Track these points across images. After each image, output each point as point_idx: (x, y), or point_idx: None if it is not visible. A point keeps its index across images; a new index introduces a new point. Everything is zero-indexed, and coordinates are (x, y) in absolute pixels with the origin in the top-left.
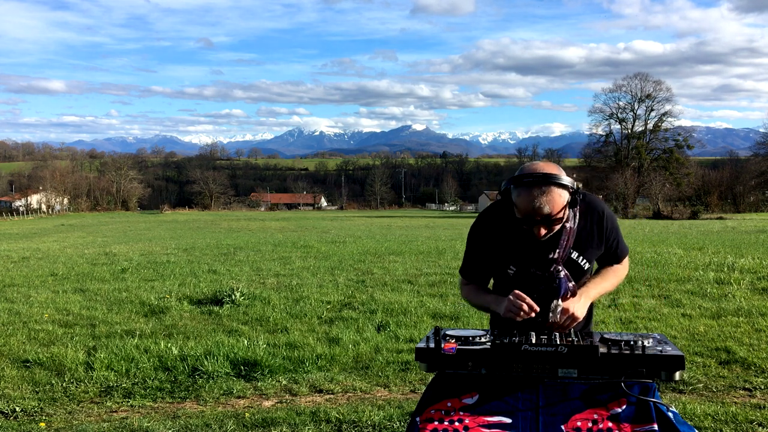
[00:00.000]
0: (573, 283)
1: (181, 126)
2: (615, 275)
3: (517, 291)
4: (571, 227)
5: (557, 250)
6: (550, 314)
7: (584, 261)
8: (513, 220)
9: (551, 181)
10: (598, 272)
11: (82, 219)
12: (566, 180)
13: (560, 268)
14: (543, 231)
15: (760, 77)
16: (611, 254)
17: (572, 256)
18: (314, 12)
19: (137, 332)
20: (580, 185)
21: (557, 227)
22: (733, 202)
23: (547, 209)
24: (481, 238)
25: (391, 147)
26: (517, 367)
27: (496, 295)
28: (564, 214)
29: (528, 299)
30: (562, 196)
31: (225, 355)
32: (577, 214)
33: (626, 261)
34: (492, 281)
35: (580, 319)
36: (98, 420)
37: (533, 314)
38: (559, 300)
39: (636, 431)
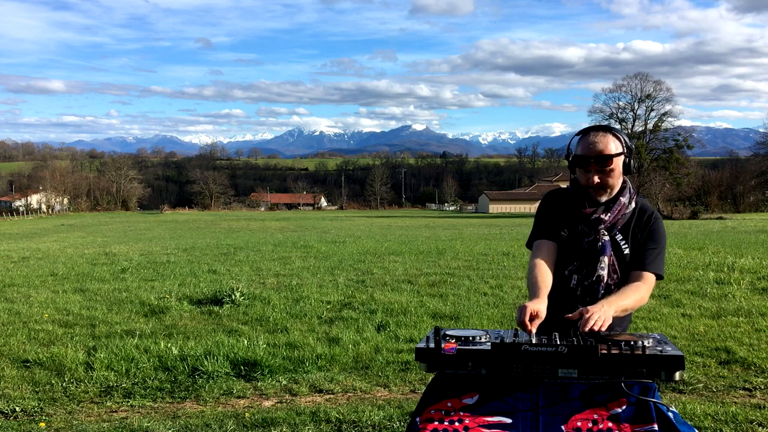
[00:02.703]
0: (612, 254)
1: (180, 126)
2: (635, 291)
3: (530, 305)
4: (624, 202)
5: (608, 214)
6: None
7: (626, 246)
8: (575, 189)
9: (609, 129)
10: (620, 289)
11: (82, 219)
12: (622, 135)
13: (606, 233)
14: (597, 178)
15: (759, 77)
16: (642, 256)
17: (616, 237)
18: (314, 12)
19: (137, 332)
20: (632, 147)
21: (611, 181)
22: (733, 202)
23: (600, 146)
24: (545, 208)
25: (391, 147)
26: (517, 367)
27: (536, 290)
28: (617, 163)
29: (526, 318)
30: (615, 143)
31: (225, 355)
32: (633, 202)
33: (651, 282)
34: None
35: (609, 321)
36: (98, 420)
37: (525, 330)
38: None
39: (636, 431)
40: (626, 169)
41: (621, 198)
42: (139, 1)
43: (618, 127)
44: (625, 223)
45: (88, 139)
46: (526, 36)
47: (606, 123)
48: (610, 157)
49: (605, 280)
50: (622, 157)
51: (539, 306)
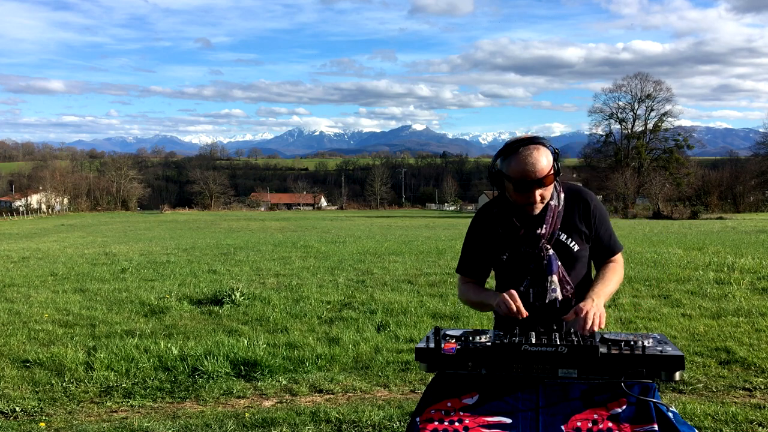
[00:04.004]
0: (560, 264)
1: (180, 126)
2: (614, 274)
3: (512, 290)
4: (555, 205)
5: (544, 226)
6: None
7: (573, 243)
8: (505, 209)
9: (536, 140)
10: (597, 274)
11: (82, 219)
12: (548, 142)
13: (548, 246)
14: (538, 196)
15: (759, 77)
16: (604, 246)
17: (560, 237)
18: (314, 12)
19: (137, 332)
20: (558, 150)
21: (548, 195)
22: (733, 202)
23: (539, 166)
24: (477, 233)
25: (391, 147)
26: (517, 367)
27: (492, 290)
28: (553, 178)
29: (519, 303)
30: (549, 157)
31: (225, 355)
32: (561, 194)
33: (621, 258)
34: (494, 280)
35: (605, 314)
36: (98, 420)
37: (520, 317)
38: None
39: (636, 431)
40: (557, 174)
41: (551, 203)
42: (139, 1)
43: (618, 127)
44: (563, 220)
45: (88, 139)
46: (525, 36)
47: (606, 123)
48: (550, 175)
49: (560, 299)
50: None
51: (512, 292)
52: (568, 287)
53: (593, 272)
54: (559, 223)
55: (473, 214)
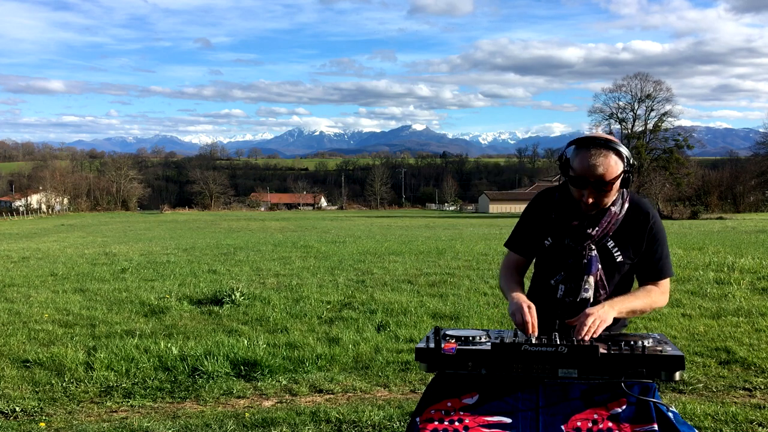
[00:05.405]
0: (601, 267)
1: (180, 126)
2: (648, 294)
3: (532, 306)
4: (615, 212)
5: (596, 228)
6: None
7: (618, 254)
8: (564, 196)
9: (611, 145)
10: (632, 290)
11: (82, 219)
12: (624, 150)
13: (593, 246)
14: (592, 199)
15: (759, 77)
16: (651, 266)
17: (608, 244)
18: (314, 12)
19: (137, 332)
20: (635, 163)
21: (606, 201)
22: (733, 202)
23: (601, 170)
24: (532, 212)
25: (391, 147)
26: (517, 367)
27: (519, 292)
28: (615, 185)
29: (534, 320)
30: (617, 164)
31: (225, 355)
32: (626, 204)
33: (665, 286)
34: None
35: (606, 323)
36: (98, 420)
37: (531, 334)
38: (589, 279)
39: (636, 431)
40: (625, 184)
41: (612, 208)
42: (139, 1)
43: (618, 127)
44: (617, 229)
45: (88, 139)
46: (525, 36)
47: (606, 123)
48: (610, 182)
49: (591, 301)
50: (623, 174)
51: (529, 302)
52: (603, 292)
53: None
54: (612, 230)
55: (474, 214)
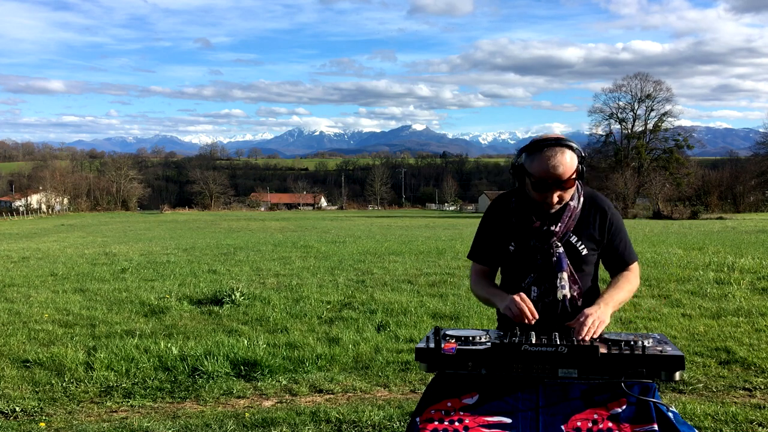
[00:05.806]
0: (569, 263)
1: (180, 126)
2: (627, 282)
3: (522, 294)
4: (574, 206)
5: (558, 224)
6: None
7: (582, 247)
8: (521, 200)
9: (563, 143)
10: (611, 281)
11: (82, 219)
12: (575, 145)
13: (559, 244)
14: (556, 197)
15: (759, 77)
16: (617, 256)
17: (571, 239)
18: (314, 12)
19: (137, 332)
20: (585, 154)
21: (568, 197)
22: (733, 202)
23: (561, 169)
24: (491, 220)
25: (391, 147)
26: (517, 367)
27: (502, 291)
28: (574, 181)
29: (530, 305)
30: (573, 159)
31: (225, 355)
32: (581, 197)
33: (636, 269)
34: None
35: (606, 323)
36: (98, 420)
37: (532, 320)
38: (565, 289)
39: (636, 431)
40: (580, 176)
41: (570, 203)
42: (139, 1)
43: (618, 127)
44: (577, 223)
45: (88, 139)
46: (525, 36)
47: (606, 123)
48: (570, 178)
49: (569, 297)
50: (578, 167)
51: (523, 295)
52: (576, 286)
53: (600, 282)
54: (573, 225)
55: (474, 214)
